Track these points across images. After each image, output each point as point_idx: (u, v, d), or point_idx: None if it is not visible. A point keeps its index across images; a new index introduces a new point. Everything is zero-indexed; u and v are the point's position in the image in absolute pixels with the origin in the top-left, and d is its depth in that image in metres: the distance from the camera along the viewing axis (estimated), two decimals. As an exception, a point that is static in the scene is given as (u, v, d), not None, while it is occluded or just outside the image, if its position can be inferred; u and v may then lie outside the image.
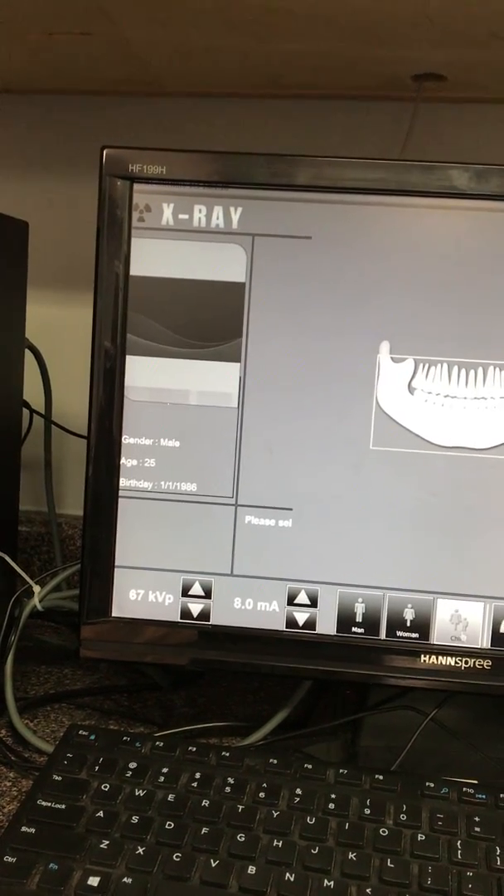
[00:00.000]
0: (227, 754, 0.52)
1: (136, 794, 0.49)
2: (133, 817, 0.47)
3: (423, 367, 0.53)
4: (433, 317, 0.53)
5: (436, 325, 0.53)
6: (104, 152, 0.53)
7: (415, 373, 0.53)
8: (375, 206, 0.52)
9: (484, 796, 0.49)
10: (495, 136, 0.74)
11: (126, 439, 0.55)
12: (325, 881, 0.43)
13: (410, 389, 0.53)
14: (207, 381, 0.54)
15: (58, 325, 0.76)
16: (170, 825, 0.47)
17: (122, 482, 0.55)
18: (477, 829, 0.47)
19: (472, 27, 0.58)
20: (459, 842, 0.46)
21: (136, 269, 0.54)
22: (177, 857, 0.44)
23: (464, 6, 0.54)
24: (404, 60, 0.66)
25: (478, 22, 0.57)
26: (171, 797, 0.49)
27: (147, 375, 0.54)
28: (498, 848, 0.46)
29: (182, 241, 0.53)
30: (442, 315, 0.53)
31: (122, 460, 0.55)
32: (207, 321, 0.54)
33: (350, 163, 0.52)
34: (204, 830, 0.46)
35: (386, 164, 0.52)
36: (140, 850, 0.45)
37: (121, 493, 0.55)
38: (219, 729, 0.62)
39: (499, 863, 0.45)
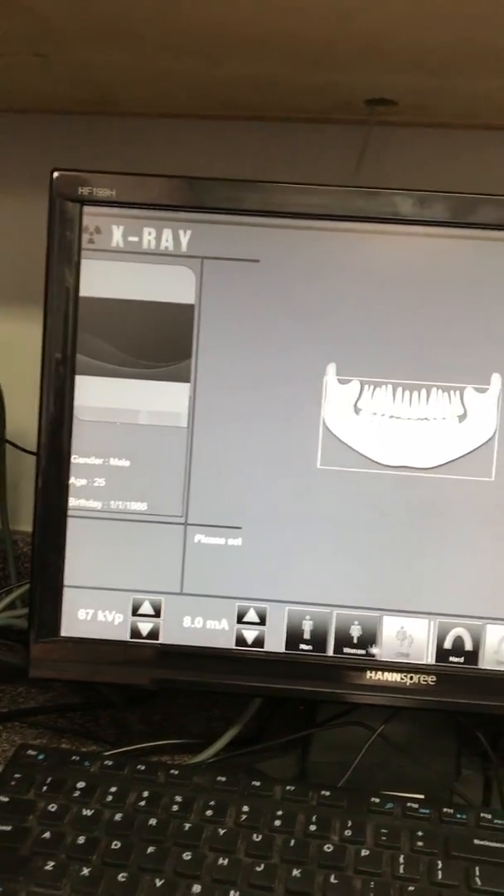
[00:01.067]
0: (176, 772, 0.52)
1: (84, 813, 0.49)
2: (80, 838, 0.47)
3: (369, 388, 0.54)
4: (378, 339, 0.54)
5: (381, 347, 0.54)
6: (53, 175, 0.53)
7: (360, 394, 0.54)
8: (322, 231, 0.53)
9: (428, 811, 0.50)
10: (447, 160, 0.76)
11: (75, 458, 0.55)
12: (269, 898, 0.44)
13: (356, 410, 0.54)
14: (157, 401, 0.54)
15: (12, 342, 0.76)
16: (116, 845, 0.47)
17: (72, 501, 0.55)
18: (420, 843, 0.48)
19: (421, 57, 0.60)
20: (402, 856, 0.47)
21: (85, 290, 0.54)
22: (122, 877, 0.45)
23: (412, 37, 0.56)
24: (355, 85, 0.68)
25: (426, 52, 0.58)
26: (118, 817, 0.49)
27: (97, 395, 0.54)
28: (440, 862, 0.47)
29: (132, 262, 0.54)
30: (387, 338, 0.54)
31: (72, 479, 0.55)
32: (157, 342, 0.54)
33: (297, 188, 0.53)
34: (150, 850, 0.47)
35: (332, 189, 0.53)
36: (85, 871, 0.45)
37: (70, 512, 0.55)
38: (171, 746, 0.62)
39: (440, 877, 0.46)
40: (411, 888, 0.45)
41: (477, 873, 0.46)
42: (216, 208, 0.53)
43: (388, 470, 0.54)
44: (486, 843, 0.48)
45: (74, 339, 0.54)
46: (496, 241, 0.53)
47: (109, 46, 0.61)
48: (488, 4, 0.48)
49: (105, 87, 0.71)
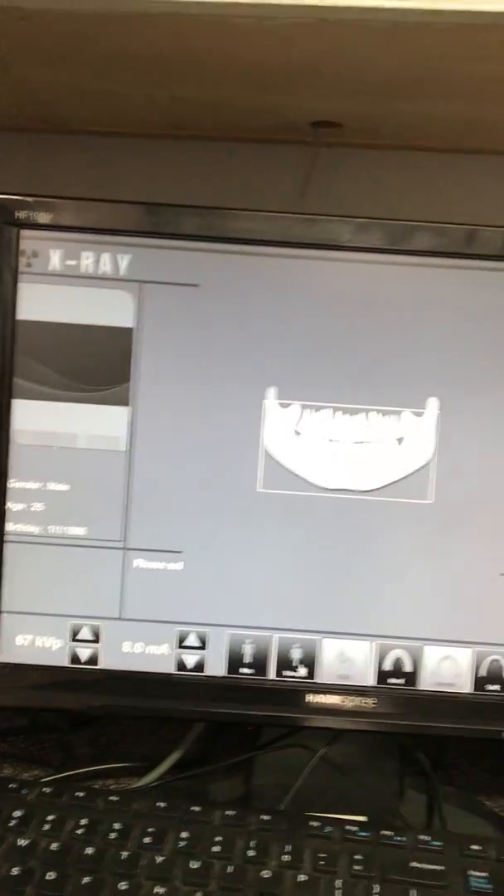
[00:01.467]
0: (116, 798, 0.52)
1: (19, 844, 0.48)
2: (13, 869, 0.47)
3: (309, 411, 0.54)
4: (318, 363, 0.54)
5: (320, 371, 0.54)
6: (-9, 198, 0.53)
7: (301, 417, 0.54)
8: (262, 257, 0.54)
9: (367, 834, 0.50)
10: (392, 181, 0.77)
11: (13, 483, 0.54)
12: (205, 928, 0.44)
13: (296, 433, 0.54)
14: (96, 424, 0.54)
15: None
16: (51, 876, 0.46)
17: (9, 526, 0.54)
18: (357, 867, 0.48)
19: (362, 82, 0.60)
20: (340, 881, 0.47)
21: (23, 314, 0.54)
22: (56, 909, 0.44)
23: (354, 64, 0.56)
24: (301, 109, 0.68)
25: (369, 77, 0.59)
26: (54, 846, 0.48)
27: (34, 419, 0.54)
28: (377, 885, 0.47)
29: (70, 286, 0.54)
30: (326, 362, 0.54)
31: (9, 504, 0.54)
32: (96, 365, 0.54)
33: (237, 214, 0.53)
34: (85, 880, 0.46)
35: (272, 215, 0.54)
36: (19, 904, 0.44)
37: (7, 537, 0.54)
38: (116, 770, 0.62)
39: (376, 901, 0.46)
40: (347, 913, 0.45)
41: (413, 896, 0.46)
42: (155, 233, 0.53)
43: (327, 493, 0.55)
44: (423, 865, 0.48)
45: (12, 362, 0.54)
46: (432, 267, 0.54)
47: (54, 66, 0.61)
48: (427, 34, 0.49)
49: (49, 106, 0.71)
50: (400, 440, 0.54)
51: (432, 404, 0.54)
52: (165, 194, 0.73)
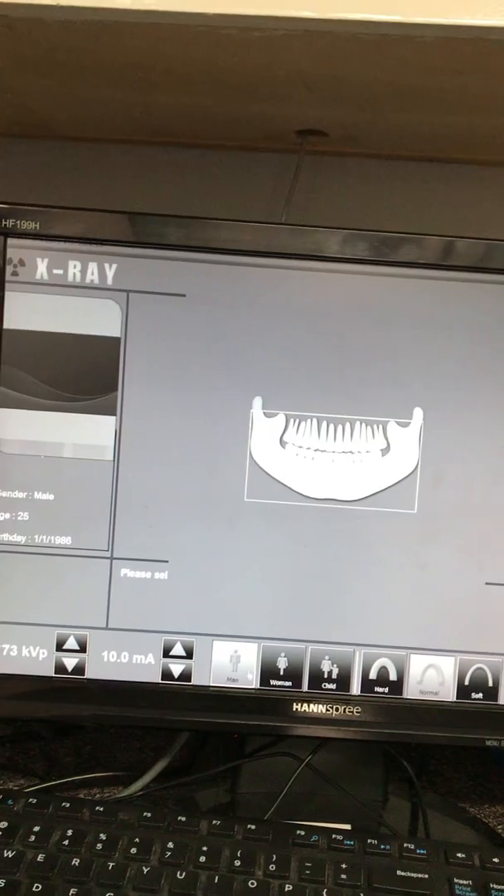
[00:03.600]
0: (102, 809, 0.52)
1: (5, 855, 0.48)
2: (-1, 881, 0.46)
3: (294, 421, 0.54)
4: (303, 374, 0.54)
5: (306, 381, 0.54)
6: (-23, 207, 0.53)
7: (286, 427, 0.54)
8: (247, 267, 0.54)
9: (352, 843, 0.51)
10: (377, 189, 0.77)
11: (-1, 493, 0.54)
12: (191, 938, 0.44)
13: (282, 443, 0.54)
14: (82, 434, 0.54)
15: None
16: (37, 888, 0.46)
17: (-5, 536, 0.54)
18: (343, 876, 0.48)
19: (347, 92, 0.61)
20: (325, 890, 0.47)
21: (9, 323, 0.53)
22: (42, 921, 0.44)
23: (339, 74, 0.56)
24: (286, 117, 0.68)
25: (352, 88, 0.59)
26: (40, 857, 0.48)
27: (21, 428, 0.54)
28: (362, 894, 0.47)
29: (57, 295, 0.54)
30: (311, 372, 0.54)
31: (-5, 514, 0.54)
32: (82, 375, 0.54)
33: (224, 224, 0.54)
34: (72, 891, 0.46)
35: (258, 226, 0.54)
36: (4, 916, 0.44)
37: (-7, 547, 0.54)
38: (101, 779, 0.62)
39: (362, 910, 0.46)
40: (333, 923, 0.45)
41: (398, 905, 0.47)
42: (142, 242, 0.53)
43: (313, 502, 0.55)
44: (409, 874, 0.49)
45: (-2, 372, 0.53)
46: (417, 278, 0.54)
47: (40, 74, 0.60)
48: (410, 48, 0.49)
49: (35, 113, 0.70)
50: (385, 450, 0.55)
51: (417, 414, 0.54)
52: (151, 202, 0.73)
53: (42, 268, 0.53)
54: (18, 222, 0.52)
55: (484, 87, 0.56)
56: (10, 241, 0.53)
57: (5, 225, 0.53)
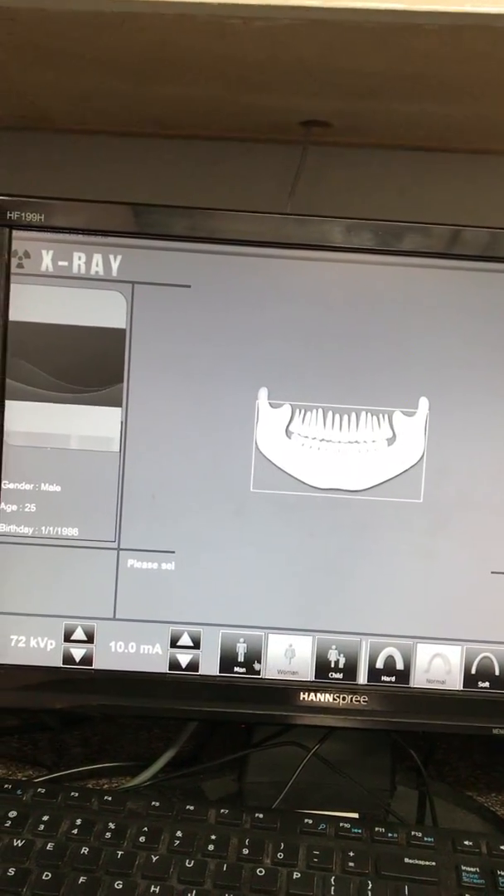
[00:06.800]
0: (110, 798, 0.52)
1: (15, 844, 0.48)
2: (9, 870, 0.47)
3: (300, 412, 0.55)
4: (308, 364, 0.54)
5: (311, 371, 0.54)
6: (-19, 199, 0.53)
7: (292, 418, 0.54)
8: (252, 257, 0.54)
9: (360, 831, 0.51)
10: (380, 179, 0.77)
11: (5, 484, 0.54)
12: (200, 925, 0.44)
13: (288, 434, 0.55)
14: (89, 425, 0.54)
15: None
16: (47, 876, 0.46)
17: (2, 527, 0.54)
18: (351, 864, 0.48)
19: (351, 82, 0.60)
20: (333, 878, 0.47)
21: (15, 315, 0.54)
22: (52, 909, 0.44)
23: (343, 64, 0.56)
24: (290, 108, 0.68)
25: (355, 78, 0.59)
26: (50, 846, 0.48)
27: (27, 420, 0.54)
28: (370, 882, 0.47)
29: (62, 287, 0.54)
30: (317, 362, 0.54)
31: (2, 505, 0.54)
32: (88, 366, 0.54)
33: (228, 215, 0.54)
34: (81, 879, 0.46)
35: (263, 216, 0.54)
36: (15, 904, 0.45)
37: (0, 538, 0.54)
38: (109, 769, 0.62)
39: (369, 896, 0.46)
40: (341, 909, 0.45)
41: (406, 892, 0.47)
42: (147, 233, 0.53)
43: (319, 492, 0.55)
44: (416, 861, 0.49)
45: (3, 363, 0.53)
46: (422, 267, 0.54)
47: (42, 66, 0.60)
48: (415, 36, 0.49)
49: (38, 105, 0.70)
50: (391, 440, 0.55)
51: (423, 404, 0.54)
52: (153, 192, 0.73)
53: (47, 260, 0.53)
54: (24, 214, 0.52)
55: (488, 75, 0.56)
56: (15, 233, 0.53)
57: (10, 217, 0.53)
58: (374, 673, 0.55)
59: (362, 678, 0.55)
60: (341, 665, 0.55)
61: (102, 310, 0.54)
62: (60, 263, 0.54)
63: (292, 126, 0.72)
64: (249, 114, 0.70)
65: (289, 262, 0.54)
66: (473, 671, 0.56)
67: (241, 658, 0.55)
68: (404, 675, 0.55)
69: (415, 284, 0.54)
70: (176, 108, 0.69)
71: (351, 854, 0.49)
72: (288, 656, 0.55)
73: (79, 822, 0.50)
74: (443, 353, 0.54)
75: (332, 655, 0.55)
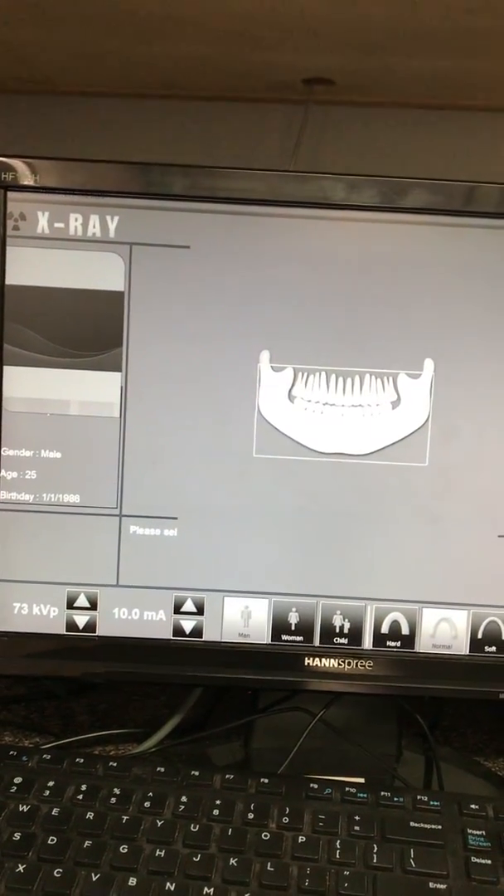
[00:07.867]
0: (115, 764, 0.52)
1: (20, 809, 0.48)
2: (15, 834, 0.47)
3: (303, 375, 0.54)
4: (311, 326, 0.53)
5: (314, 334, 0.53)
6: (-25, 160, 0.52)
7: (294, 381, 0.54)
8: (253, 216, 0.53)
9: (365, 795, 0.51)
10: (384, 138, 0.75)
11: (5, 451, 0.54)
12: (206, 889, 0.44)
13: (290, 398, 0.54)
14: (88, 391, 0.54)
15: None
16: (52, 840, 0.46)
17: (2, 495, 0.54)
18: (357, 828, 0.48)
19: (354, 37, 0.59)
20: (339, 841, 0.47)
21: (11, 279, 0.53)
22: (58, 872, 0.44)
23: (346, 17, 0.55)
24: (292, 66, 0.67)
25: (359, 32, 0.58)
26: (55, 811, 0.48)
27: (26, 386, 0.53)
28: (375, 846, 0.47)
29: (58, 249, 0.53)
30: (319, 324, 0.53)
31: (2, 472, 0.54)
32: (87, 330, 0.53)
33: (227, 172, 0.52)
34: (87, 843, 0.46)
35: (263, 174, 0.52)
36: (20, 868, 0.45)
37: (1, 505, 0.54)
38: (116, 736, 0.62)
39: (375, 860, 0.46)
40: (346, 872, 0.45)
41: (412, 855, 0.47)
42: (144, 193, 0.52)
43: (322, 457, 0.54)
44: (422, 825, 0.49)
45: (1, 328, 0.53)
46: (428, 225, 0.53)
47: (41, 27, 0.59)
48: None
49: (36, 66, 0.69)
50: (395, 403, 0.54)
51: (428, 366, 0.53)
52: (154, 154, 0.72)
53: (43, 221, 0.52)
54: (18, 175, 0.51)
55: (497, 27, 0.54)
56: (10, 194, 0.52)
57: (5, 178, 0.52)
58: (379, 638, 0.55)
59: (367, 643, 0.55)
60: (346, 630, 0.55)
61: (100, 272, 0.53)
62: (57, 225, 0.53)
63: (295, 84, 0.70)
64: (251, 72, 0.68)
65: (290, 221, 0.53)
66: (480, 636, 0.55)
67: (245, 623, 0.55)
68: (410, 640, 0.55)
69: (420, 243, 0.53)
70: (176, 68, 0.68)
71: (356, 818, 0.49)
72: (292, 621, 0.55)
73: (84, 787, 0.50)
74: (448, 313, 0.53)
75: (337, 621, 0.55)
